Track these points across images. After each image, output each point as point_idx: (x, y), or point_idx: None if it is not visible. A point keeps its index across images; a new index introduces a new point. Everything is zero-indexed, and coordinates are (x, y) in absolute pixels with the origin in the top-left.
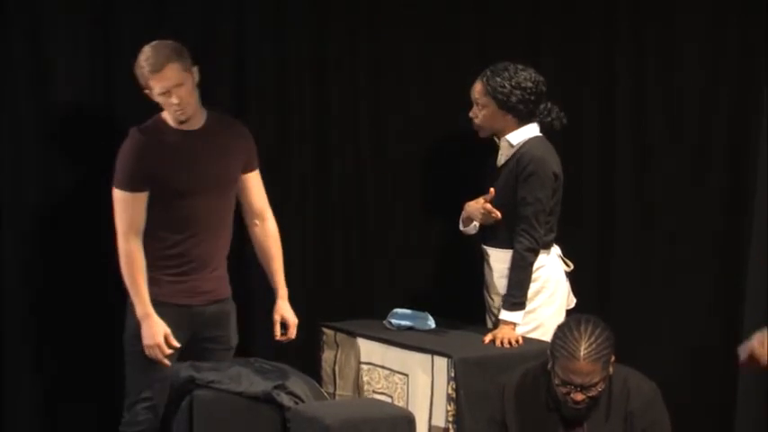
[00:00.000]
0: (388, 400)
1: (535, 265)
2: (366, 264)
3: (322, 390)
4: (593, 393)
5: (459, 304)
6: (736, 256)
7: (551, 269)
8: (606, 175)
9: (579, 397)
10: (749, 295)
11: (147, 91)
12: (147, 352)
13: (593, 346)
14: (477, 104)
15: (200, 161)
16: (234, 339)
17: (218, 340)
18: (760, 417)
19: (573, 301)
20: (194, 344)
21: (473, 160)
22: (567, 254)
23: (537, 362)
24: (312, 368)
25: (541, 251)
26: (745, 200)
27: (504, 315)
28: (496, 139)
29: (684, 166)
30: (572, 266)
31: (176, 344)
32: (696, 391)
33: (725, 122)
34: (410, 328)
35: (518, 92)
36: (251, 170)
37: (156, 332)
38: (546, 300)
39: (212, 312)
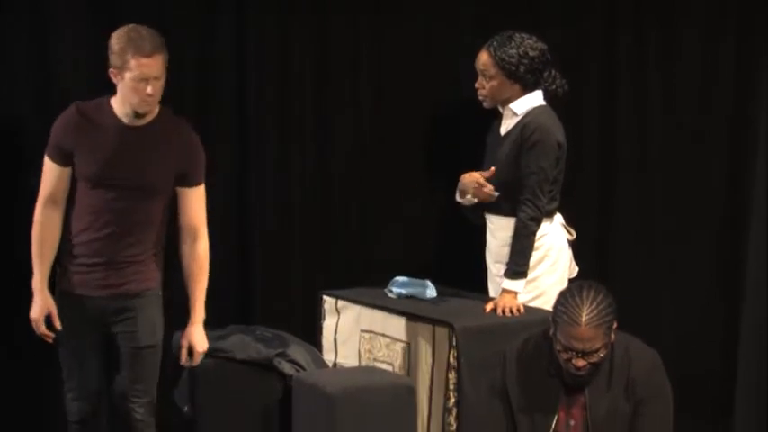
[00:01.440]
0: (389, 368)
1: (538, 234)
2: (367, 231)
3: (323, 358)
4: (594, 359)
5: (461, 272)
6: (738, 222)
7: (554, 237)
8: (608, 143)
9: (581, 363)
10: (750, 260)
11: (115, 70)
12: (33, 325)
13: (595, 311)
14: (484, 76)
15: (121, 157)
16: (145, 338)
17: (125, 337)
18: (761, 382)
19: (575, 270)
20: (111, 338)
21: (475, 128)
22: (570, 222)
23: (538, 329)
24: (313, 336)
25: (544, 220)
26: (746, 158)
27: (506, 284)
28: (500, 108)
29: (685, 132)
30: (575, 235)
31: (58, 325)
32: (697, 359)
33: (730, 83)
34: (411, 297)
35: (526, 61)
36: (191, 185)
37: (41, 308)
38: (548, 268)
39: (117, 307)
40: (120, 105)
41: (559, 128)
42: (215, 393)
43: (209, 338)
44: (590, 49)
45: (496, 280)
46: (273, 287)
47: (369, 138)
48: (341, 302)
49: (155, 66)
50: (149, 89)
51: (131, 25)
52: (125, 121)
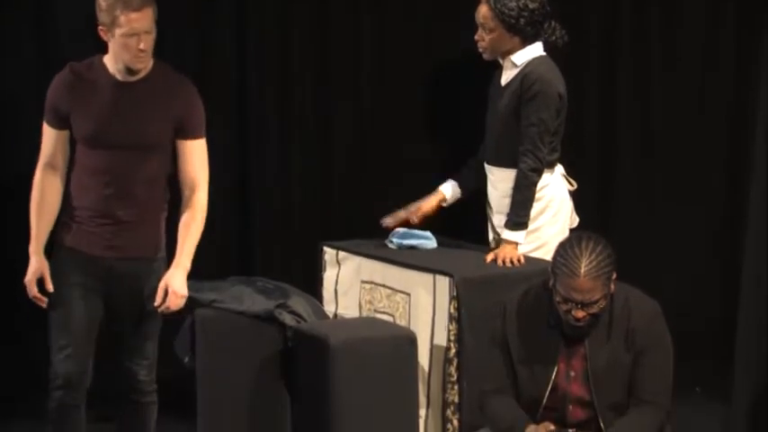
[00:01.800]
0: (390, 319)
1: (539, 185)
2: (367, 182)
3: (324, 309)
4: (594, 310)
5: (462, 223)
6: (738, 174)
7: (555, 188)
8: (608, 93)
9: (580, 314)
10: (751, 215)
11: (104, 27)
12: (27, 288)
13: (594, 263)
14: (484, 28)
15: (118, 114)
16: (150, 302)
17: (128, 301)
18: (761, 334)
19: (576, 220)
20: (110, 299)
21: (476, 78)
22: (570, 173)
23: (538, 280)
24: (313, 287)
25: (545, 170)
26: (746, 114)
27: (507, 234)
28: (500, 59)
29: (688, 84)
30: (575, 185)
31: (50, 287)
32: (697, 309)
33: (730, 39)
34: (412, 248)
35: (526, 13)
36: (190, 138)
37: (34, 270)
38: (549, 219)
39: (122, 269)
40: (112, 62)
41: (560, 79)
42: (215, 344)
43: (211, 289)
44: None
45: (497, 231)
46: (274, 238)
47: (368, 88)
48: (341, 254)
49: (145, 20)
50: (141, 44)
51: None
52: (119, 77)
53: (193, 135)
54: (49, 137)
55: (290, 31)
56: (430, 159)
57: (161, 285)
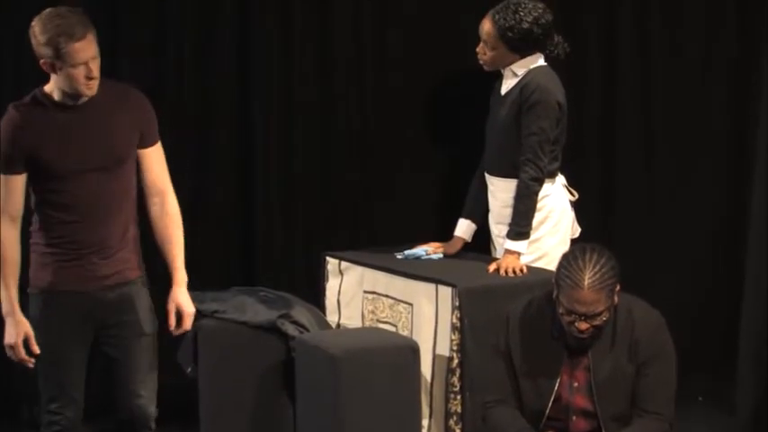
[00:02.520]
0: (393, 329)
1: (540, 195)
2: (370, 192)
3: (326, 319)
4: (597, 323)
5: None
6: (741, 182)
7: (556, 198)
8: (609, 103)
9: (584, 326)
10: (753, 223)
11: (46, 61)
12: (7, 352)
13: (598, 275)
14: (486, 44)
15: (83, 140)
16: (148, 325)
17: (125, 326)
18: (762, 344)
19: (578, 231)
20: (103, 331)
21: (478, 87)
22: (572, 183)
23: (542, 291)
24: (316, 297)
25: (546, 180)
26: (748, 105)
27: (509, 244)
28: (501, 69)
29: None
30: (577, 196)
31: (36, 350)
32: (700, 319)
33: (732, 36)
34: (417, 257)
35: (530, 37)
36: (149, 144)
37: (17, 332)
38: (550, 229)
39: (114, 297)
40: (59, 91)
41: (559, 87)
42: (218, 355)
43: (213, 300)
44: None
45: (499, 241)
46: (276, 248)
47: (372, 97)
48: (344, 264)
49: (90, 47)
50: (94, 72)
51: (52, 9)
52: (69, 103)
53: (153, 141)
54: (5, 185)
55: (293, 35)
56: (433, 169)
57: (170, 308)
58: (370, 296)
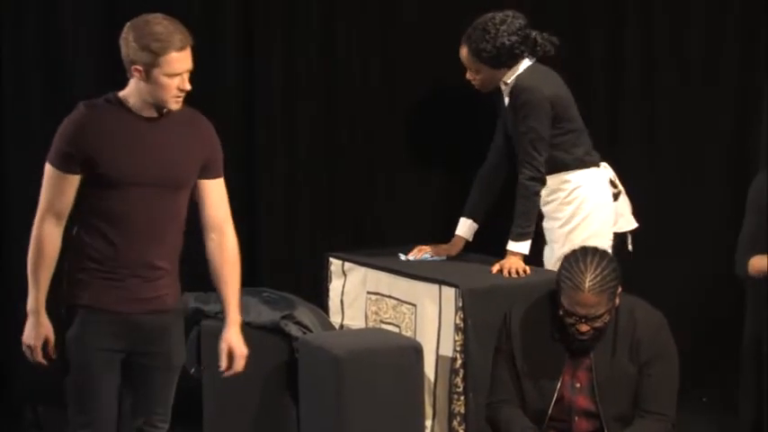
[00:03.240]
0: (396, 330)
1: (570, 186)
2: (374, 193)
3: (330, 320)
4: (598, 325)
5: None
6: (744, 182)
7: (588, 190)
8: (611, 103)
9: (584, 328)
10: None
11: (140, 66)
12: (24, 350)
13: (599, 277)
14: (471, 69)
15: (146, 151)
16: (177, 358)
17: (155, 357)
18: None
19: (629, 224)
20: (132, 357)
21: (477, 91)
22: None
23: (544, 291)
24: (320, 298)
25: (577, 168)
26: (749, 118)
27: (511, 245)
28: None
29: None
30: (620, 187)
31: (53, 354)
32: (701, 320)
33: (734, 37)
34: (420, 259)
35: (504, 50)
36: (212, 177)
37: (38, 334)
38: (581, 222)
39: (151, 324)
40: (137, 99)
41: (550, 82)
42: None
43: (217, 301)
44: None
45: (547, 237)
46: (280, 249)
47: (376, 101)
48: (347, 264)
49: (187, 59)
50: (187, 84)
51: (150, 16)
52: (144, 114)
53: (217, 174)
54: (58, 183)
55: (296, 35)
56: (436, 170)
57: (224, 348)
58: (373, 297)
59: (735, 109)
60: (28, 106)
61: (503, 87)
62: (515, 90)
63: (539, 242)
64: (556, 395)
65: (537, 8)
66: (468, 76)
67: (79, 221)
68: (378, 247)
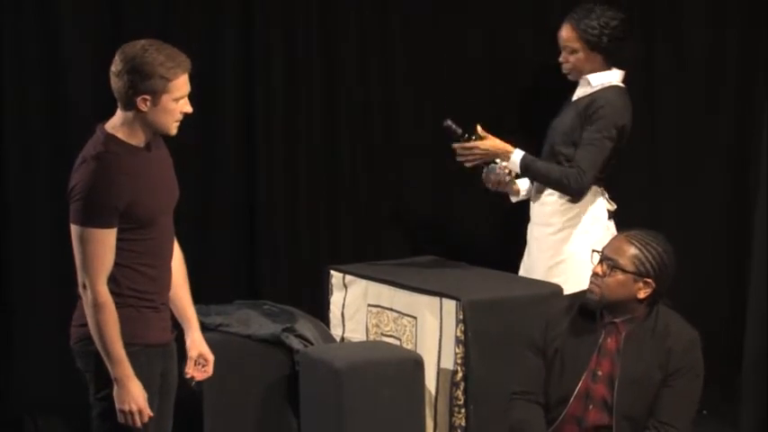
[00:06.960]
0: (397, 342)
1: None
2: (375, 206)
3: (330, 332)
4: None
5: (479, 247)
6: (745, 187)
7: (587, 205)
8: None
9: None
10: (757, 231)
11: (148, 96)
12: (123, 418)
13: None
14: (567, 50)
15: (158, 181)
16: (176, 378)
17: (167, 378)
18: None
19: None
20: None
21: (481, 98)
22: None
23: (579, 299)
24: (320, 311)
25: None
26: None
27: (515, 155)
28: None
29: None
30: (615, 206)
31: (150, 411)
32: (702, 330)
33: (735, 37)
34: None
35: (608, 31)
36: None
37: (141, 394)
38: (577, 236)
39: (174, 349)
40: (129, 131)
41: (627, 110)
42: (223, 368)
43: (217, 313)
44: None
45: (533, 244)
46: (281, 261)
47: (378, 110)
48: (348, 277)
49: (188, 82)
50: (188, 106)
51: (143, 42)
52: (141, 146)
53: None
54: (107, 241)
55: (297, 39)
56: (439, 183)
57: (192, 355)
58: (374, 309)
59: (735, 109)
60: (26, 108)
61: (582, 82)
62: (598, 100)
63: (521, 247)
64: (578, 387)
65: (537, 8)
66: (562, 58)
67: (119, 264)
68: (379, 260)
